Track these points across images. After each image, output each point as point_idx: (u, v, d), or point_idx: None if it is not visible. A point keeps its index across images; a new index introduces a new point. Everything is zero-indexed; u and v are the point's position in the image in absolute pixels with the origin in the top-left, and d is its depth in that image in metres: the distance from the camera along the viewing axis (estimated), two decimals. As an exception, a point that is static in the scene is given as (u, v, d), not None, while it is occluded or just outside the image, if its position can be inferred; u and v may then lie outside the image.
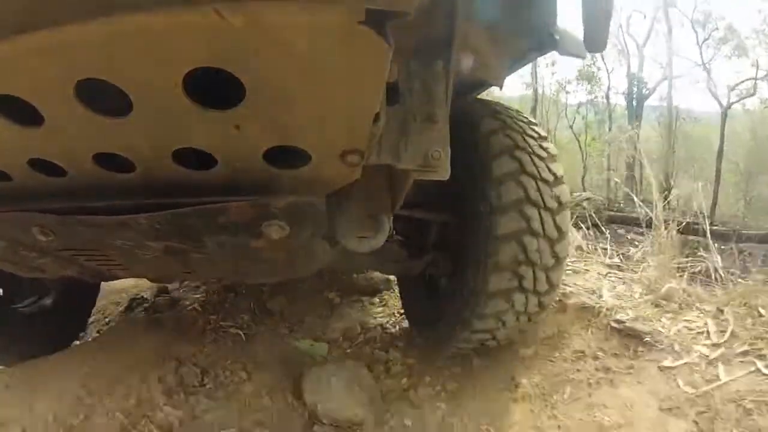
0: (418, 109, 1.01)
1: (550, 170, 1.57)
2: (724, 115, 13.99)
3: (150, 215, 0.93)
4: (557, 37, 1.43)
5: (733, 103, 14.25)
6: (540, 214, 1.52)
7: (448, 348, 1.86)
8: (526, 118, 1.72)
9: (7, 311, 2.00)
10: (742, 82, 14.28)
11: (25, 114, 0.71)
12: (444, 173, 1.06)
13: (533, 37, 1.45)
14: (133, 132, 0.74)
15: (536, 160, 1.55)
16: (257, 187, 0.88)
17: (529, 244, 1.51)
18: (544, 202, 1.52)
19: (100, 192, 0.91)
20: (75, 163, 0.84)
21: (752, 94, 14.08)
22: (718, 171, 13.85)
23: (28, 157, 0.82)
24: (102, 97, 0.67)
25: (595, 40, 1.36)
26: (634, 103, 16.84)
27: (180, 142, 0.78)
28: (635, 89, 16.75)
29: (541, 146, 1.59)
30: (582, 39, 1.45)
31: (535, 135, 1.62)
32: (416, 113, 1.01)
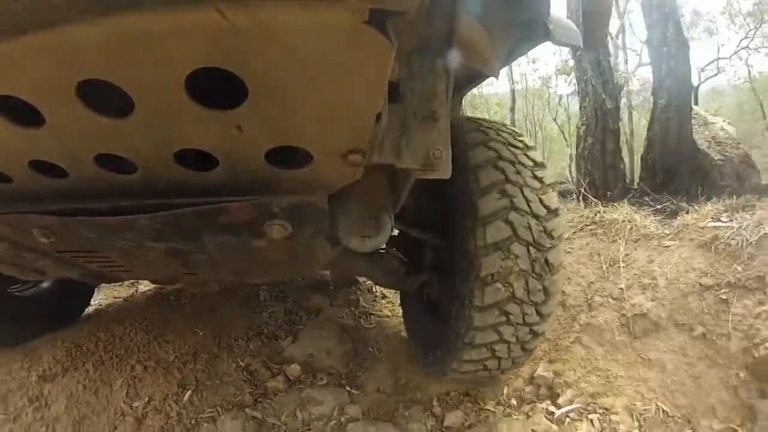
0: (419, 108, 1.00)
1: (542, 203, 1.47)
2: (695, 94, 15.21)
3: (151, 216, 0.93)
4: (551, 27, 1.42)
5: (702, 83, 15.80)
6: (529, 251, 1.44)
7: (447, 374, 1.80)
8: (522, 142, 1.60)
9: (4, 295, 2.01)
10: (710, 63, 15.84)
11: (26, 115, 0.70)
12: (445, 172, 1.06)
13: (528, 28, 1.45)
14: (134, 133, 0.74)
15: (528, 192, 1.46)
16: (259, 187, 0.88)
17: (516, 282, 1.44)
18: (534, 239, 1.44)
19: (101, 193, 0.91)
20: (76, 165, 0.83)
21: (716, 74, 16.07)
22: (693, 145, 15.40)
23: (29, 159, 0.82)
24: (103, 97, 0.67)
25: (593, 36, 1.36)
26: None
27: (182, 143, 0.77)
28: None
29: (534, 176, 1.51)
30: (575, 28, 1.45)
31: (530, 164, 1.51)
32: (417, 112, 1.01)
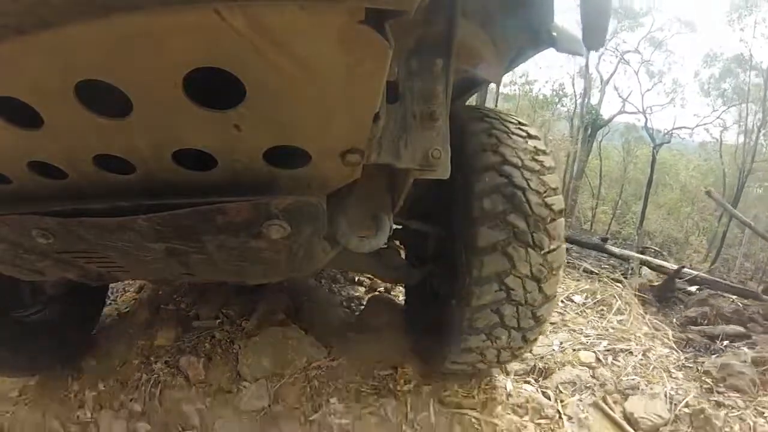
0: (418, 108, 1.01)
1: (547, 232, 1.49)
2: (655, 153, 17.67)
3: (150, 216, 0.93)
4: (555, 35, 1.43)
5: (660, 144, 18.11)
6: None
7: (441, 366, 1.82)
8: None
9: (9, 321, 1.91)
10: (675, 128, 19.14)
11: (24, 116, 0.70)
12: (444, 172, 1.06)
13: (531, 34, 1.46)
14: (133, 133, 0.74)
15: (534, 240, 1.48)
16: (257, 187, 0.88)
17: (512, 283, 1.48)
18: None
19: (100, 194, 0.91)
20: (75, 165, 0.83)
21: (668, 141, 18.86)
22: (646, 198, 17.34)
23: (28, 160, 0.82)
24: (102, 98, 0.67)
25: (593, 37, 1.36)
26: (588, 130, 18.86)
27: (180, 143, 0.77)
28: (589, 117, 18.89)
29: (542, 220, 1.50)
30: (578, 37, 1.46)
31: (545, 216, 1.51)
32: (416, 112, 1.01)
